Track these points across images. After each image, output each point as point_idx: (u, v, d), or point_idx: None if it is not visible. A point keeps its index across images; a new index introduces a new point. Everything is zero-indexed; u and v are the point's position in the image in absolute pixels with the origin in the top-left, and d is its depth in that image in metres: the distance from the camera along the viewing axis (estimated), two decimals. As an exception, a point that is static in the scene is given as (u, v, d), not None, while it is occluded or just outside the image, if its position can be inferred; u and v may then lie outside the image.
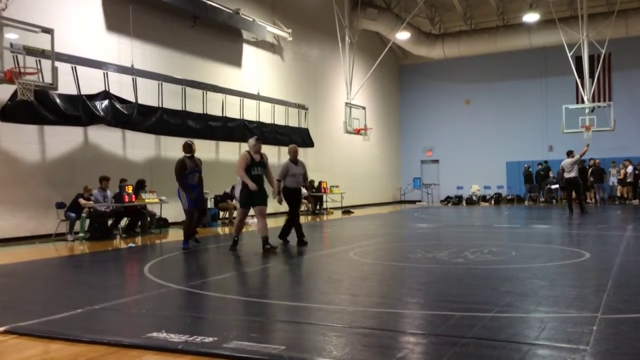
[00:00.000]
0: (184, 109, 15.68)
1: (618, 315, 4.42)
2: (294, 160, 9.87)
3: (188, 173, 9.70)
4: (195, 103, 16.17)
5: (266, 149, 19.01)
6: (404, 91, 30.28)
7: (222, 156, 17.65)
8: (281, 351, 3.66)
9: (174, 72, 15.77)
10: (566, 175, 17.00)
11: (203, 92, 16.48)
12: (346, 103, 22.31)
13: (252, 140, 9.10)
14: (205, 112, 16.41)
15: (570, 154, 17.20)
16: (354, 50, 22.45)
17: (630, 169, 22.45)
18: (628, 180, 22.50)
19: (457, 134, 28.34)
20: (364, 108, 23.71)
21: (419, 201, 28.53)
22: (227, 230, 14.23)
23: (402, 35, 24.48)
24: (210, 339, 3.95)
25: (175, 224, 15.14)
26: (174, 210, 15.19)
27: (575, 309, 4.70)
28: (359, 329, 4.29)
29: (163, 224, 14.35)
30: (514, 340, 3.87)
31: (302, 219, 18.04)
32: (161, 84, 15.04)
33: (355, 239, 9.57)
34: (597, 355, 3.47)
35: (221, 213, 16.16)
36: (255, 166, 8.95)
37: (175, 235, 12.87)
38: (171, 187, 15.66)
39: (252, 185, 8.73)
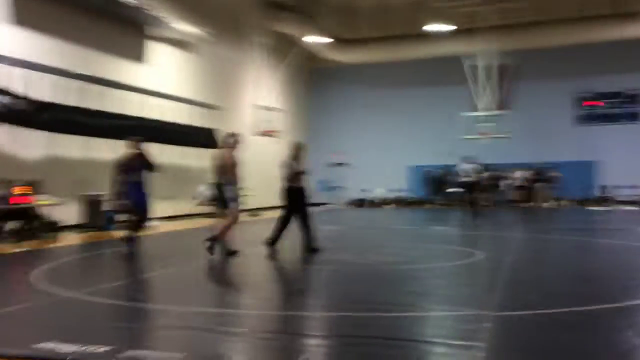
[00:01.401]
0: (81, 106, 14.92)
1: (509, 313, 4.64)
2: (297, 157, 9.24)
3: (129, 170, 9.19)
4: (94, 99, 15.42)
5: (170, 149, 18.56)
6: (315, 94, 30.54)
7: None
8: (181, 359, 3.53)
9: (71, 67, 14.93)
10: (463, 179, 17.88)
11: (103, 89, 15.76)
12: (256, 104, 22.16)
13: (232, 139, 8.82)
14: (104, 110, 15.70)
15: (467, 159, 18.17)
16: (265, 52, 22.34)
17: (521, 174, 23.96)
18: (520, 185, 24.00)
19: (363, 138, 28.94)
20: (274, 110, 23.67)
21: (326, 203, 28.87)
22: (123, 233, 13.66)
23: (314, 39, 24.66)
24: (104, 349, 3.74)
25: (69, 227, 14.36)
26: (69, 213, 14.42)
27: (470, 307, 4.89)
28: (262, 333, 4.24)
29: (56, 227, 13.55)
30: (414, 339, 3.97)
31: (206, 222, 17.74)
32: (57, 78, 14.21)
33: (259, 241, 9.47)
34: (490, 351, 3.61)
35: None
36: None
37: (69, 239, 12.21)
38: (65, 189, 14.89)
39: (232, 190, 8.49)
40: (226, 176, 8.45)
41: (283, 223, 8.98)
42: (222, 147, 8.78)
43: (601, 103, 26.08)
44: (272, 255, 8.46)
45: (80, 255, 9.68)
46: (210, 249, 8.32)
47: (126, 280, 6.96)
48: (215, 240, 8.39)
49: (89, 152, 15.79)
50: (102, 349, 3.74)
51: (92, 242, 11.70)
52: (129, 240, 9.19)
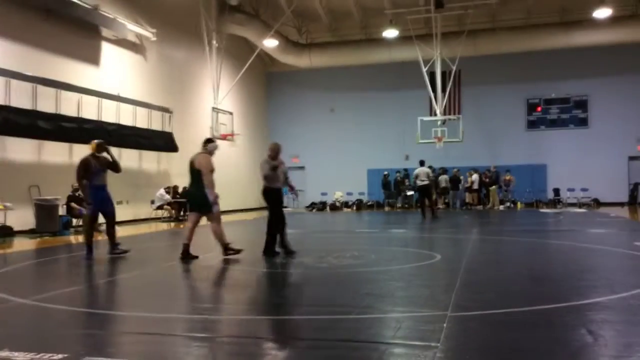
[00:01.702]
0: (34, 109, 14.54)
1: (465, 313, 4.75)
2: (275, 158, 9.08)
3: (93, 173, 8.94)
4: (47, 102, 15.05)
5: (127, 153, 18.26)
6: (272, 98, 30.52)
7: (76, 159, 16.47)
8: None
9: (23, 69, 14.55)
10: (419, 182, 18.21)
11: (56, 91, 15.39)
12: (213, 108, 21.99)
13: (214, 145, 8.87)
14: (58, 112, 15.33)
15: (422, 163, 18.60)
16: (221, 55, 22.22)
17: (475, 177, 24.47)
18: (474, 187, 24.51)
19: (322, 142, 29.07)
20: (231, 113, 23.52)
21: (285, 207, 28.78)
22: (80, 238, 13.36)
23: (270, 43, 24.65)
24: (59, 356, 3.66)
25: (23, 232, 13.97)
26: (22, 218, 14.04)
27: (427, 308, 4.99)
28: (222, 337, 4.23)
29: (9, 233, 13.17)
30: (373, 340, 4.02)
31: (165, 226, 17.54)
32: (9, 80, 13.82)
33: (215, 246, 9.40)
34: (447, 351, 3.70)
35: (74, 220, 15.14)
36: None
37: (23, 244, 11.87)
38: (18, 193, 14.48)
39: (211, 194, 8.51)
40: (206, 180, 8.48)
41: (270, 227, 8.93)
42: (201, 153, 8.74)
43: (552, 108, 26.89)
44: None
45: (34, 261, 9.41)
46: (232, 252, 8.57)
47: (82, 286, 6.82)
48: (227, 246, 8.59)
49: (43, 156, 15.40)
50: (57, 356, 3.67)
51: (46, 247, 11.40)
52: (114, 246, 9.05)
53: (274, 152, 9.01)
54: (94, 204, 8.93)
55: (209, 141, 8.99)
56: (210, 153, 8.79)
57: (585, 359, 3.58)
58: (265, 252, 8.74)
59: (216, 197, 8.62)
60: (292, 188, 9.40)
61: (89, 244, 8.97)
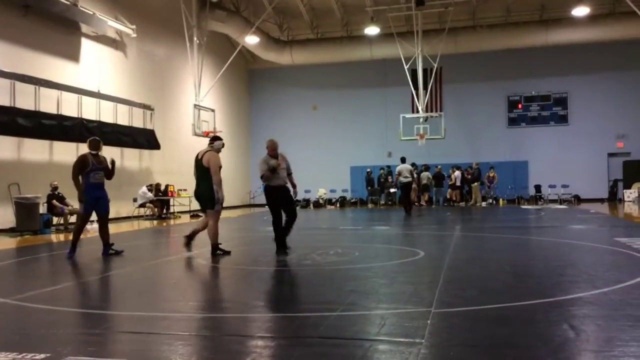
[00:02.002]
0: (13, 105, 14.33)
1: (449, 309, 4.78)
2: (274, 155, 8.96)
3: (90, 171, 8.75)
4: (26, 99, 14.84)
5: (108, 151, 18.03)
6: (254, 95, 30.41)
7: (56, 157, 16.36)
8: (122, 364, 3.46)
9: (1, 65, 14.33)
10: (402, 180, 18.30)
11: (35, 88, 15.18)
12: (195, 105, 21.86)
13: (220, 143, 8.83)
14: (37, 109, 15.13)
15: (404, 160, 18.74)
16: (203, 52, 22.08)
17: (458, 174, 24.63)
18: (457, 184, 24.66)
19: (305, 139, 29.03)
20: (213, 110, 23.40)
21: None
22: (61, 237, 13.21)
23: (251, 40, 24.55)
24: (42, 356, 3.61)
25: (2, 231, 13.78)
26: (2, 217, 13.88)
27: (411, 305, 5.01)
28: (206, 335, 4.20)
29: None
30: (357, 338, 4.03)
31: (148, 224, 17.38)
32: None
33: (203, 243, 9.37)
34: (431, 347, 3.72)
35: (55, 219, 14.95)
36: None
37: (2, 243, 11.69)
38: (-3, 191, 14.27)
39: (218, 192, 8.54)
40: (215, 179, 8.50)
41: (276, 225, 8.78)
42: (208, 150, 8.73)
43: (532, 106, 27.17)
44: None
45: (14, 260, 9.28)
46: (221, 253, 8.57)
47: (64, 285, 6.73)
48: (217, 246, 8.59)
49: (23, 154, 15.19)
50: (39, 356, 3.62)
51: (26, 246, 11.25)
52: (108, 246, 8.94)
53: (272, 149, 8.89)
54: (89, 202, 8.76)
55: (215, 139, 8.98)
56: (218, 151, 8.79)
57: (567, 354, 3.62)
58: (277, 252, 8.60)
59: (218, 195, 8.60)
60: (294, 186, 9.18)
61: (74, 243, 8.83)
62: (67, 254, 8.76)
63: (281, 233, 8.75)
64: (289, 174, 9.06)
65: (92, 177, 8.78)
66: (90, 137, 9.18)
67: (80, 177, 8.71)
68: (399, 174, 18.35)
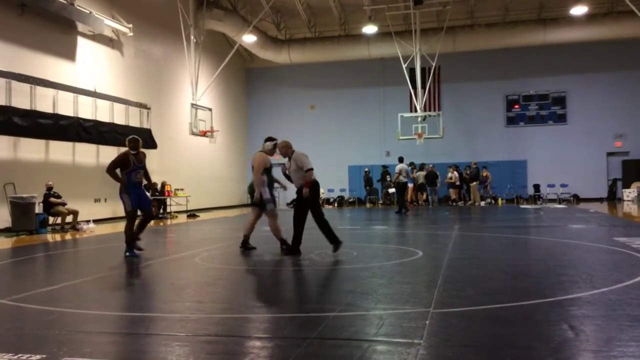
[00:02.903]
0: (9, 105, 14.27)
1: (448, 310, 4.75)
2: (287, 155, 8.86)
3: (131, 170, 8.73)
4: (22, 98, 14.78)
5: (104, 150, 18.01)
6: (251, 94, 30.36)
7: (52, 156, 16.29)
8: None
9: (-2, 64, 14.30)
10: (402, 179, 18.31)
11: (31, 87, 15.12)
12: (192, 104, 21.81)
13: (270, 144, 8.94)
14: (33, 109, 15.07)
15: (402, 159, 18.80)
16: (200, 51, 22.03)
17: (457, 173, 24.62)
18: (457, 184, 24.65)
19: (302, 138, 28.81)
20: (210, 109, 23.36)
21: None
22: (57, 237, 13.16)
23: (249, 39, 24.52)
24: (38, 357, 3.59)
25: (-2, 231, 13.74)
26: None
27: (410, 305, 4.98)
28: (204, 336, 4.16)
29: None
30: (356, 338, 4.00)
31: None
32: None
33: (201, 243, 9.34)
34: (430, 348, 3.69)
35: (51, 219, 14.89)
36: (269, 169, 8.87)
37: (-2, 243, 11.65)
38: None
39: (261, 194, 8.60)
40: (255, 179, 8.66)
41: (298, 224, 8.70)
42: (259, 151, 8.91)
43: (530, 105, 27.16)
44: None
45: (9, 260, 9.23)
46: (285, 250, 8.62)
47: (59, 285, 6.69)
48: (285, 242, 8.66)
49: (19, 153, 15.13)
50: (35, 357, 3.59)
51: (22, 246, 11.20)
52: (134, 243, 8.93)
53: (284, 151, 8.83)
54: (132, 200, 8.76)
55: (266, 139, 9.10)
56: (269, 152, 8.87)
57: (566, 354, 3.59)
58: (335, 248, 8.46)
59: (266, 195, 8.74)
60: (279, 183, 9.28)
61: (132, 240, 8.84)
62: (131, 254, 8.71)
63: (327, 227, 8.51)
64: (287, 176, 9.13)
65: (133, 176, 8.79)
66: (130, 137, 9.12)
67: (118, 172, 8.72)
68: (400, 173, 18.37)
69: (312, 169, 8.47)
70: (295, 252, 8.43)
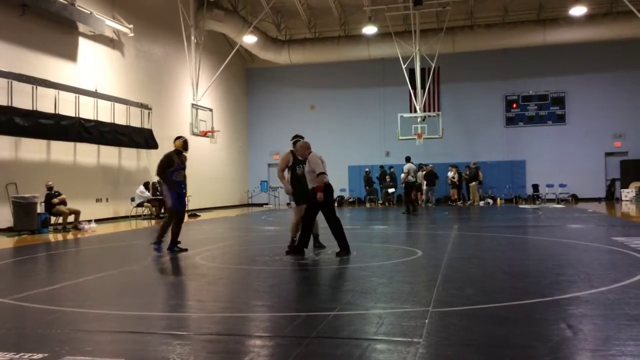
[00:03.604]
0: (10, 105, 14.31)
1: (447, 309, 4.79)
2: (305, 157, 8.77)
3: (174, 170, 8.91)
4: (23, 99, 14.82)
5: (106, 150, 18.05)
6: (252, 94, 30.39)
7: (54, 156, 16.33)
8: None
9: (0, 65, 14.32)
10: (411, 178, 18.44)
11: (33, 87, 15.15)
12: (192, 104, 21.84)
13: (296, 141, 9.10)
14: (35, 109, 15.10)
15: (409, 159, 18.92)
16: (200, 51, 22.06)
17: (456, 173, 24.66)
18: (456, 184, 24.69)
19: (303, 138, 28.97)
20: (210, 110, 23.38)
21: (266, 204, 28.78)
22: (59, 237, 13.19)
23: (249, 39, 24.54)
24: (39, 356, 3.61)
25: (0, 230, 13.76)
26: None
27: (409, 304, 5.02)
28: (205, 335, 4.20)
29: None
30: (355, 337, 4.03)
31: (145, 223, 17.36)
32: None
33: (202, 242, 9.38)
34: (429, 346, 3.72)
35: (53, 218, 14.92)
36: (298, 164, 8.90)
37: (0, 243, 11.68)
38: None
39: (287, 189, 8.84)
40: (279, 176, 8.94)
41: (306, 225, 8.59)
42: (292, 151, 9.09)
43: (530, 105, 27.18)
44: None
45: (11, 260, 9.26)
46: (289, 248, 8.63)
47: (61, 284, 6.72)
48: (293, 242, 8.70)
49: (20, 153, 15.17)
50: (37, 356, 3.62)
51: (24, 245, 11.23)
52: (175, 242, 9.04)
53: (301, 152, 8.84)
54: (172, 199, 8.92)
55: (293, 138, 9.34)
56: (297, 150, 8.91)
57: (565, 353, 3.62)
58: (295, 251, 8.51)
59: (289, 191, 8.93)
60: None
61: (175, 240, 9.01)
62: (172, 250, 8.88)
63: (340, 233, 8.45)
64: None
65: (175, 176, 8.97)
66: (179, 136, 9.32)
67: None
68: (408, 172, 18.44)
69: (324, 173, 8.35)
70: (298, 253, 8.44)
